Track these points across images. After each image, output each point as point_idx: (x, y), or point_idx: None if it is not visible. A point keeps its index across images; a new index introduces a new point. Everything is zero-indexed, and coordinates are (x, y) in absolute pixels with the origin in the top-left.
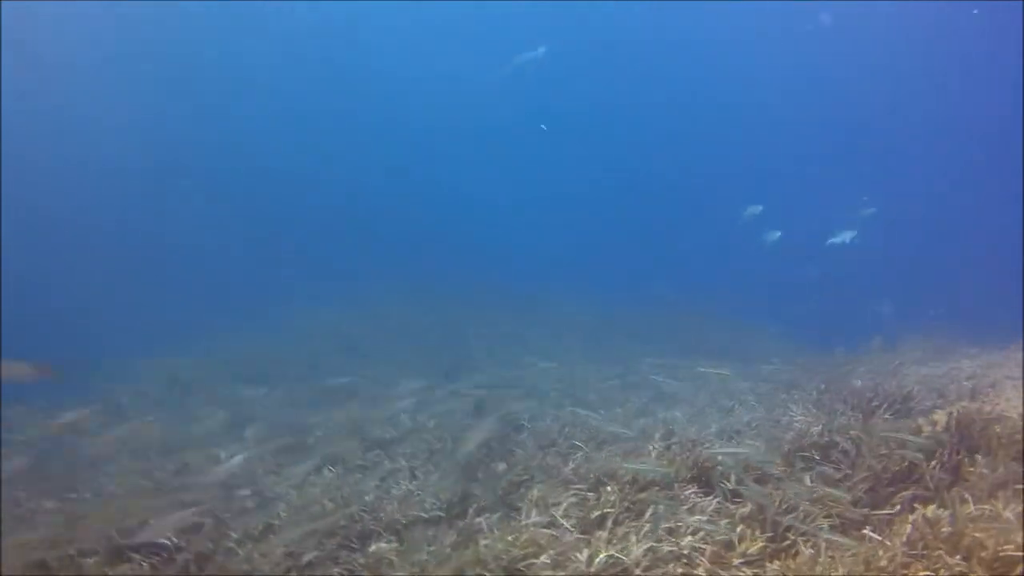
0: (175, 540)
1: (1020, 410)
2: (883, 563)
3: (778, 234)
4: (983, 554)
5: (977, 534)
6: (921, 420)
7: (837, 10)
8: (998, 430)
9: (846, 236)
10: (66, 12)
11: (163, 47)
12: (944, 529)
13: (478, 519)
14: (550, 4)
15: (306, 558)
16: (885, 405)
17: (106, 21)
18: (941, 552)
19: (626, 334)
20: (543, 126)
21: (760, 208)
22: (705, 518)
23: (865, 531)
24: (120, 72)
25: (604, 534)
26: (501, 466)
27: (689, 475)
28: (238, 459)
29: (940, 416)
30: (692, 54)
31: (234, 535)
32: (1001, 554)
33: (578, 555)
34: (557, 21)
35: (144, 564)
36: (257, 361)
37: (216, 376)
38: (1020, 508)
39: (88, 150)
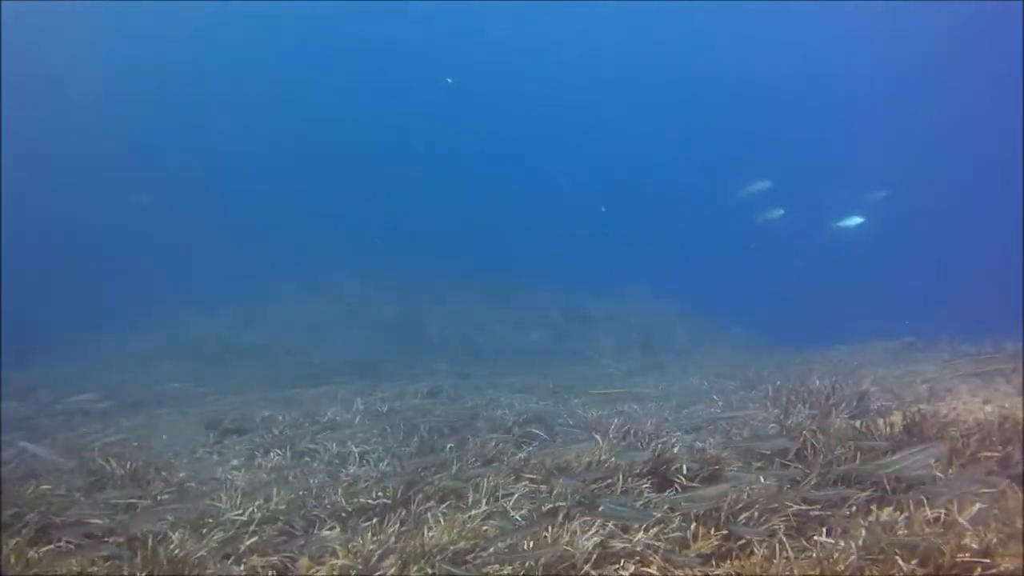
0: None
1: (975, 414)
2: (839, 567)
3: (781, 211)
4: (940, 560)
5: (934, 539)
6: (879, 421)
7: (836, 10)
8: (953, 433)
9: (844, 223)
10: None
11: (160, 47)
12: (900, 532)
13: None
14: (552, 5)
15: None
16: (843, 405)
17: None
18: (897, 557)
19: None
20: (448, 80)
21: (767, 183)
22: (659, 514)
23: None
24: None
25: (554, 528)
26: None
27: (644, 469)
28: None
29: (896, 417)
30: (694, 54)
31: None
32: (958, 560)
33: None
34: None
35: (71, 546)
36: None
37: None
38: (975, 512)
39: (61, 146)
